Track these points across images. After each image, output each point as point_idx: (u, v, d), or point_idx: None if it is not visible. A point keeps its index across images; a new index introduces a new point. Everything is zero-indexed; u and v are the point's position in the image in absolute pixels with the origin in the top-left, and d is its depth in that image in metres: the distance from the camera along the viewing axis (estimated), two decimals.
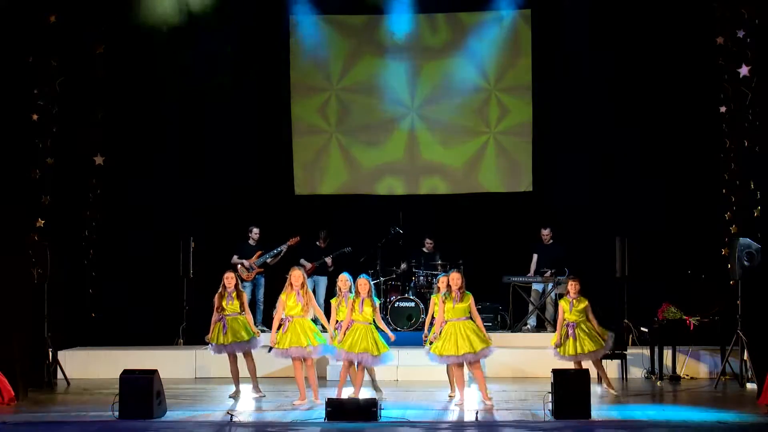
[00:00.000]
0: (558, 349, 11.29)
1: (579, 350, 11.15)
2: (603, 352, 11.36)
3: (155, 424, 9.42)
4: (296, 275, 10.71)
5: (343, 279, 10.86)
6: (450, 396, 10.98)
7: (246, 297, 11.49)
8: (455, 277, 10.46)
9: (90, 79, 14.39)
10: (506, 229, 14.95)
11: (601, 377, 11.55)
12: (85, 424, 9.49)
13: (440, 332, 10.42)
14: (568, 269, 14.16)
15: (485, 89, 15.35)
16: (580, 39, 14.62)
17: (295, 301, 10.62)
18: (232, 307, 11.20)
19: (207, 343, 11.39)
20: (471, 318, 10.40)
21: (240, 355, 11.31)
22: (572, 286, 11.39)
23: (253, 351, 11.33)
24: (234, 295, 11.26)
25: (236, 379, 11.32)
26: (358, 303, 10.50)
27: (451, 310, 10.37)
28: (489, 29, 15.22)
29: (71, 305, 13.82)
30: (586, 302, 11.33)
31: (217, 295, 11.30)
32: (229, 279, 11.31)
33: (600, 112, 14.64)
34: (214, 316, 11.24)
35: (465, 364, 10.44)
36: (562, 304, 11.38)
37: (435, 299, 10.90)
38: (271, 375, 12.57)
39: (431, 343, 10.55)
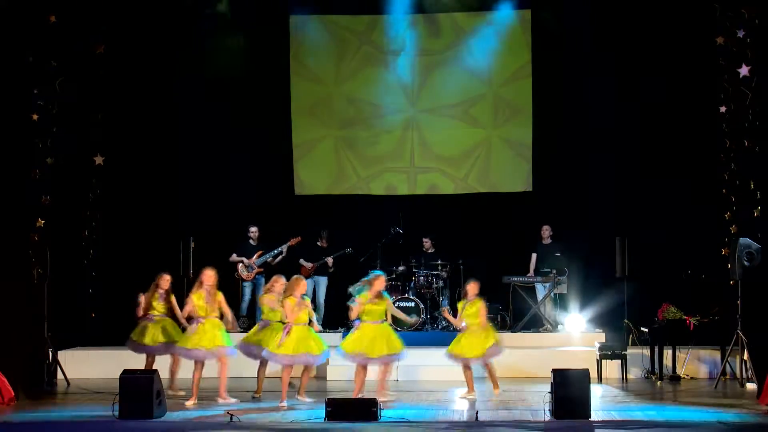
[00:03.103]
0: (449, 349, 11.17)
1: (459, 352, 10.99)
2: (483, 359, 10.97)
3: (155, 424, 9.42)
4: (207, 275, 10.78)
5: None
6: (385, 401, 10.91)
7: (175, 300, 11.66)
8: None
9: (90, 79, 14.38)
10: (506, 229, 14.95)
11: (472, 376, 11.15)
12: (85, 425, 9.50)
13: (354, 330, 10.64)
14: (568, 269, 14.20)
15: (485, 89, 15.34)
16: (580, 39, 14.63)
17: (204, 300, 10.70)
18: (161, 308, 11.51)
19: None
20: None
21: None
22: (470, 288, 11.13)
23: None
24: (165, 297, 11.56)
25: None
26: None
27: (369, 312, 10.57)
28: (489, 29, 15.21)
29: (71, 305, 13.82)
30: (479, 304, 11.07)
31: (146, 295, 11.60)
32: (165, 280, 11.60)
33: (600, 111, 14.63)
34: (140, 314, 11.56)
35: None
36: (459, 307, 11.24)
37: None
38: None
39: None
